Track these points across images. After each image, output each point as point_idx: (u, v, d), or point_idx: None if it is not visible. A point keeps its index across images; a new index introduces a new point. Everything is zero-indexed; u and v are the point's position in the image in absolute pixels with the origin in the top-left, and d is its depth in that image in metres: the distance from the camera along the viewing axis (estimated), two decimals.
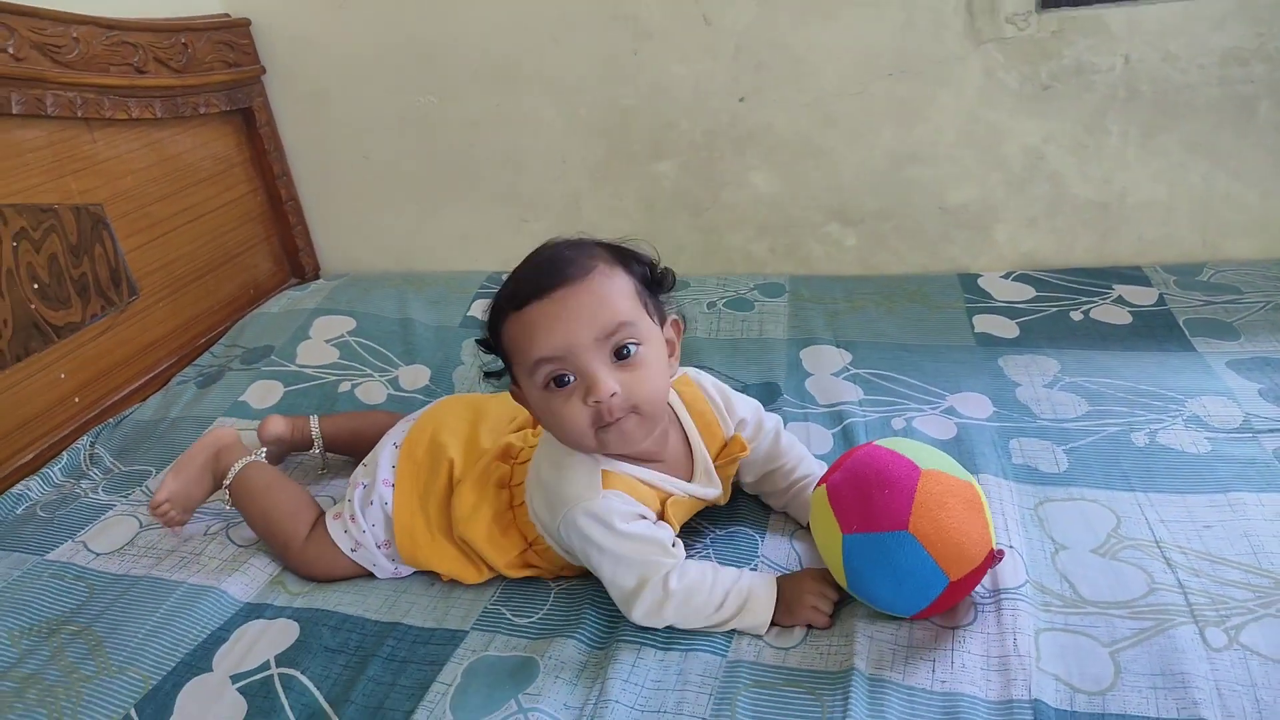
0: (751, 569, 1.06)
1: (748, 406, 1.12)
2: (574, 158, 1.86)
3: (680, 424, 1.06)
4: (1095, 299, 1.59)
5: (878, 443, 1.00)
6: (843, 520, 0.94)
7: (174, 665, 1.00)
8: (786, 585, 0.99)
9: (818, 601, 0.97)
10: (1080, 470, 1.17)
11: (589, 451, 0.98)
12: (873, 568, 0.92)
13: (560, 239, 0.98)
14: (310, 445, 1.34)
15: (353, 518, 1.12)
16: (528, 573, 1.09)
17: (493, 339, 0.98)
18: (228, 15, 1.86)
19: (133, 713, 0.95)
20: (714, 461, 1.07)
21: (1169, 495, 1.11)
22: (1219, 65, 1.53)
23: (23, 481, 1.38)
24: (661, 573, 0.95)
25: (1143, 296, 1.58)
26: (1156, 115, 1.58)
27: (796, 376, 1.46)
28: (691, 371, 1.11)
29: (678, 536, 1.02)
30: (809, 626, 0.97)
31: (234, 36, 1.84)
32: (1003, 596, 0.96)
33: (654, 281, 1.00)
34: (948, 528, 0.90)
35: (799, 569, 1.05)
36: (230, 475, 1.20)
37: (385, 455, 1.15)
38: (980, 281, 1.70)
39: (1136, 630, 0.91)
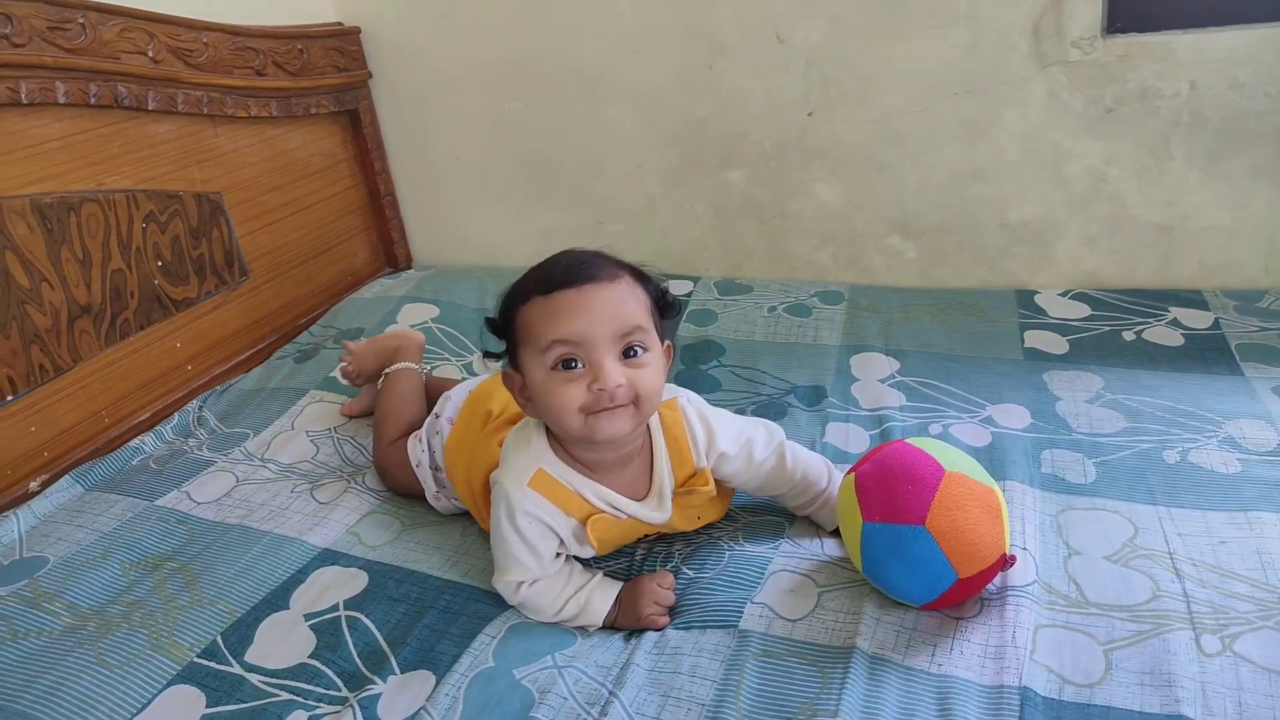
0: (773, 546, 1.14)
1: (734, 441, 1.11)
2: (649, 164, 1.96)
3: (651, 445, 1.08)
4: (1150, 320, 1.61)
5: (909, 440, 1.05)
6: (865, 508, 1.00)
7: (256, 601, 1.14)
8: (626, 592, 1.08)
9: (651, 607, 1.06)
10: (1107, 483, 1.21)
11: (572, 434, 1.00)
12: (888, 556, 0.98)
13: (584, 249, 1.04)
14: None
15: (427, 431, 1.29)
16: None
17: (503, 321, 1.03)
18: (340, 24, 2.02)
19: (219, 639, 1.08)
20: (676, 488, 1.09)
21: (1190, 511, 1.14)
22: None
23: (139, 437, 1.55)
24: (519, 577, 1.06)
25: (1198, 320, 1.59)
26: (1221, 141, 1.59)
27: (843, 381, 1.53)
28: (682, 398, 1.11)
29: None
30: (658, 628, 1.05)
31: (345, 43, 2.00)
32: (1009, 593, 1.02)
33: (664, 305, 1.05)
34: (963, 528, 0.95)
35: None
36: (388, 370, 1.48)
37: (457, 394, 1.30)
38: (1037, 298, 1.73)
39: (1134, 632, 0.96)
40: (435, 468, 1.28)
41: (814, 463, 1.17)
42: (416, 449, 1.29)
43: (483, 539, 1.22)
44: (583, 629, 1.07)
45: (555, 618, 1.06)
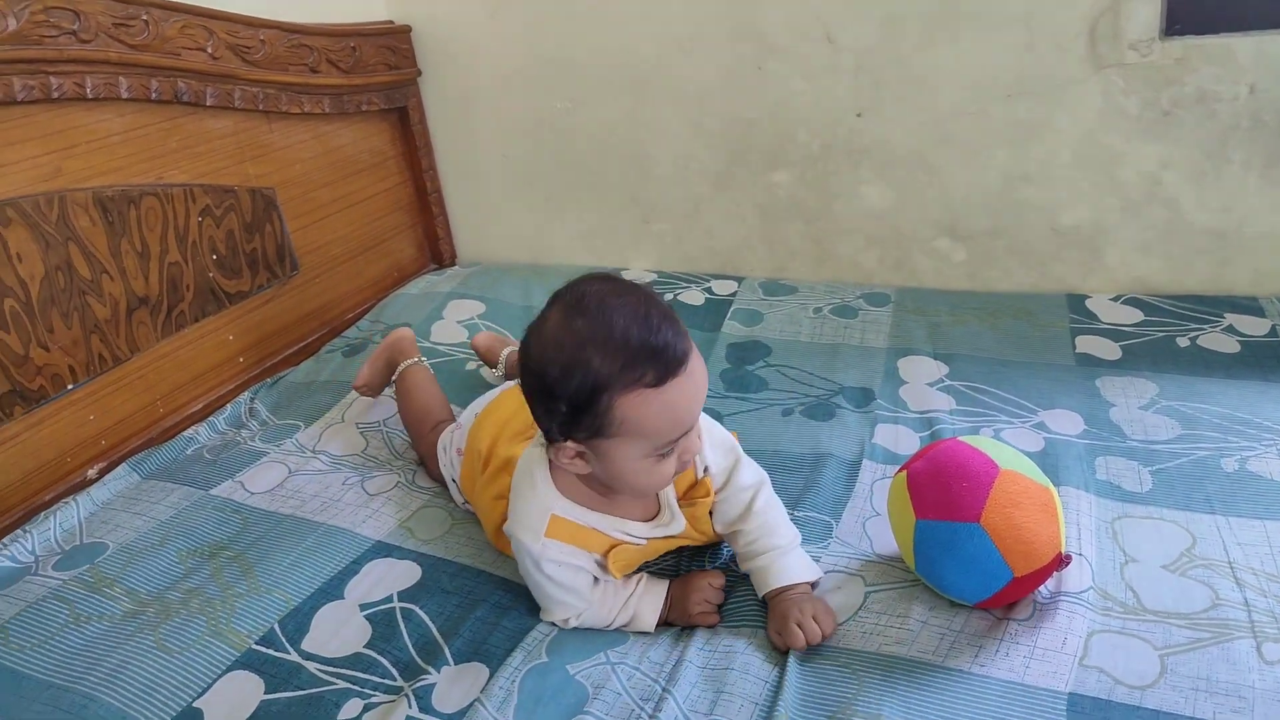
0: (823, 546, 1.15)
1: (721, 457, 1.09)
2: (696, 164, 1.96)
3: None
4: (1205, 326, 1.59)
5: (962, 438, 1.05)
6: (918, 505, 0.99)
7: (312, 591, 1.15)
8: (676, 588, 1.08)
9: (701, 605, 1.05)
10: (1163, 491, 1.20)
11: (641, 493, 1.03)
12: (942, 554, 0.98)
13: (599, 286, 0.93)
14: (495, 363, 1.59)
15: (447, 448, 1.31)
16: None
17: (583, 405, 0.90)
18: (392, 22, 2.04)
19: (276, 626, 1.10)
20: (679, 499, 1.08)
21: (1249, 520, 1.13)
22: None
23: (193, 427, 1.58)
24: (563, 615, 1.06)
25: (1255, 327, 1.57)
26: None
27: (891, 384, 1.53)
28: None
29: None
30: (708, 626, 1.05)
31: (396, 42, 2.02)
32: (1062, 598, 1.01)
33: None
34: (1019, 525, 0.94)
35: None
36: (396, 372, 1.50)
37: (465, 420, 1.30)
38: (1089, 303, 1.71)
39: (1192, 639, 0.95)
40: (456, 479, 1.30)
41: (783, 518, 1.11)
42: (445, 466, 1.32)
43: None
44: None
45: (609, 628, 1.07)
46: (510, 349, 1.57)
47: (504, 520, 1.11)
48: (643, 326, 0.88)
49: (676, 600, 1.07)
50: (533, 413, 0.97)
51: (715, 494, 1.09)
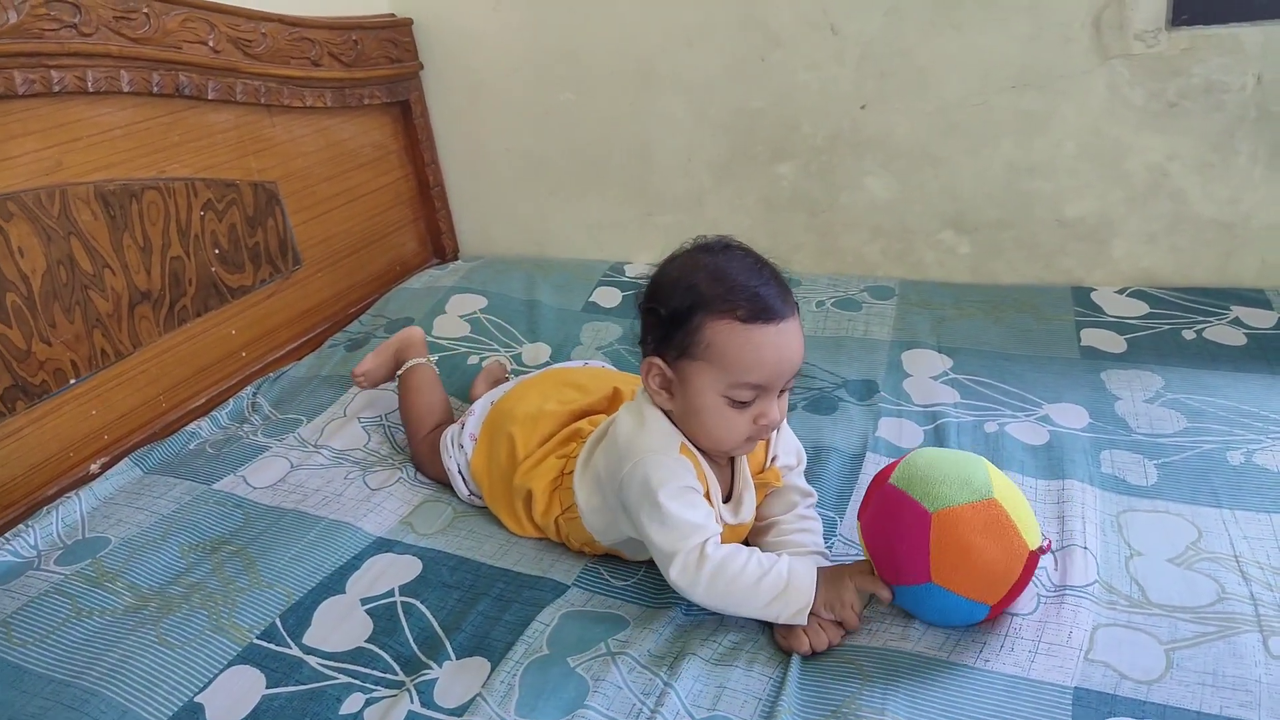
0: (828, 545, 1.14)
1: (790, 456, 1.14)
2: (700, 156, 1.95)
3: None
4: (1211, 319, 1.58)
5: (891, 480, 0.99)
6: (878, 569, 0.99)
7: (314, 585, 1.15)
8: (829, 577, 1.00)
9: (855, 601, 0.99)
10: (1169, 485, 1.19)
11: (721, 449, 1.03)
12: (916, 608, 0.99)
13: (736, 244, 1.02)
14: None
15: (453, 441, 1.31)
16: (554, 536, 1.19)
17: (677, 320, 0.97)
18: (394, 15, 2.03)
19: (277, 621, 1.10)
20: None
21: (1256, 514, 1.12)
22: None
23: (195, 422, 1.58)
24: (701, 537, 0.98)
25: (1261, 319, 1.56)
26: None
27: (895, 376, 1.52)
28: None
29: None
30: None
31: (398, 35, 2.02)
32: (1068, 592, 1.01)
33: None
34: (972, 563, 0.91)
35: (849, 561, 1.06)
36: (403, 368, 1.50)
37: (479, 408, 1.32)
38: (1094, 296, 1.70)
39: (1198, 633, 0.95)
40: (464, 472, 1.30)
41: (819, 529, 1.13)
42: (449, 459, 1.31)
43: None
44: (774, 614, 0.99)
45: (756, 588, 0.97)
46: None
47: (566, 474, 1.14)
48: (753, 275, 0.97)
49: (829, 586, 0.99)
50: (641, 325, 1.04)
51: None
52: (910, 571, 0.94)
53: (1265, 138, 1.56)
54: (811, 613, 0.98)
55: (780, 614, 0.98)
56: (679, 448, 1.02)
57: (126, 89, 1.47)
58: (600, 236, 2.13)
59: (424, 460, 1.38)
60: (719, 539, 1.01)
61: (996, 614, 0.97)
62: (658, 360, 1.01)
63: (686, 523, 0.98)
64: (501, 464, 1.23)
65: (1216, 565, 1.04)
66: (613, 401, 1.27)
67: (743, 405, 0.98)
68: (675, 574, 0.98)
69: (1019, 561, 0.93)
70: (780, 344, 0.96)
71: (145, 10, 1.46)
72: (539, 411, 1.24)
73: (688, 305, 0.97)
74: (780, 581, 0.98)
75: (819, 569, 1.01)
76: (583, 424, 1.22)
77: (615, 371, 1.45)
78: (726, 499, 1.08)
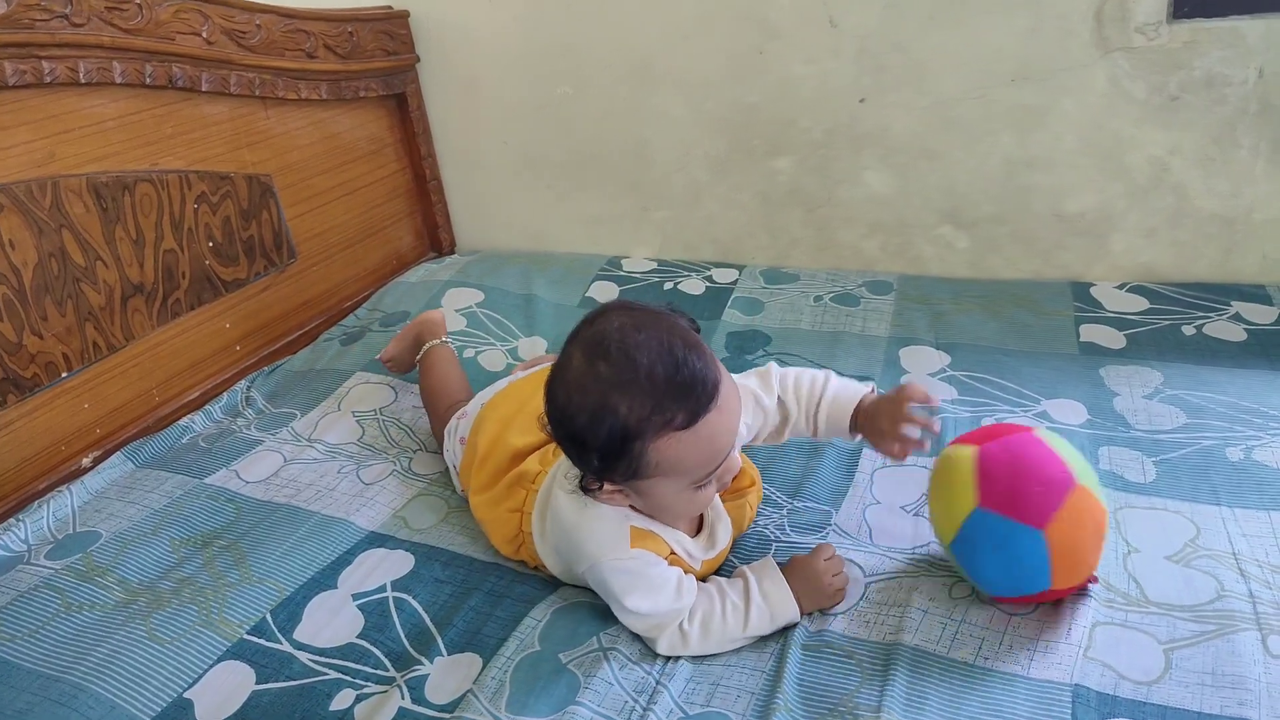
0: (820, 535, 1.13)
1: (750, 417, 1.05)
2: (697, 151, 1.94)
3: None
4: (1211, 314, 1.57)
5: (1037, 433, 0.99)
6: (984, 492, 0.94)
7: (305, 580, 1.14)
8: (796, 575, 1.00)
9: (835, 578, 1.00)
10: (1167, 482, 1.18)
11: (699, 513, 1.02)
12: (989, 547, 0.94)
13: (616, 320, 0.89)
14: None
15: (451, 434, 1.29)
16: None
17: (616, 454, 0.88)
18: (390, 7, 2.02)
19: (268, 616, 1.09)
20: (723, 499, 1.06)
21: (1254, 511, 1.11)
22: None
23: (188, 415, 1.57)
24: (678, 618, 0.97)
25: (1262, 315, 1.55)
26: None
27: (893, 372, 1.51)
28: None
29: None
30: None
31: (394, 27, 2.00)
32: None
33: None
34: (1077, 543, 0.93)
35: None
36: (421, 351, 1.51)
37: (472, 410, 1.28)
38: (1093, 291, 1.69)
39: (1197, 632, 0.94)
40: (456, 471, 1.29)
41: (804, 376, 1.09)
42: (448, 454, 1.31)
43: None
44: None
45: (746, 628, 0.98)
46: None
47: (520, 534, 1.10)
48: (668, 363, 0.85)
49: (805, 584, 1.00)
50: (567, 456, 0.96)
51: (759, 483, 1.11)
52: (1031, 511, 0.92)
53: (1267, 132, 1.55)
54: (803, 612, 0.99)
55: (772, 629, 0.99)
56: (629, 538, 0.97)
57: (119, 80, 1.46)
58: (597, 231, 2.12)
59: (439, 438, 1.39)
60: (694, 585, 0.99)
61: (1031, 601, 0.98)
62: (605, 484, 0.93)
63: (658, 614, 0.97)
64: (473, 474, 1.21)
65: (1215, 563, 1.03)
66: None
67: (707, 481, 0.92)
68: (664, 649, 0.98)
69: (1089, 572, 0.97)
70: (726, 416, 0.88)
71: (138, 1, 1.45)
72: (516, 412, 1.19)
73: (619, 437, 0.86)
74: (764, 614, 0.98)
75: (785, 574, 1.00)
76: (529, 464, 1.13)
77: None
78: (697, 532, 1.06)
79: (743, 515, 1.11)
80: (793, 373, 1.09)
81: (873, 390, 1.08)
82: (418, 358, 1.52)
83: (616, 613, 1.00)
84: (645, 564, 0.97)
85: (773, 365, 1.10)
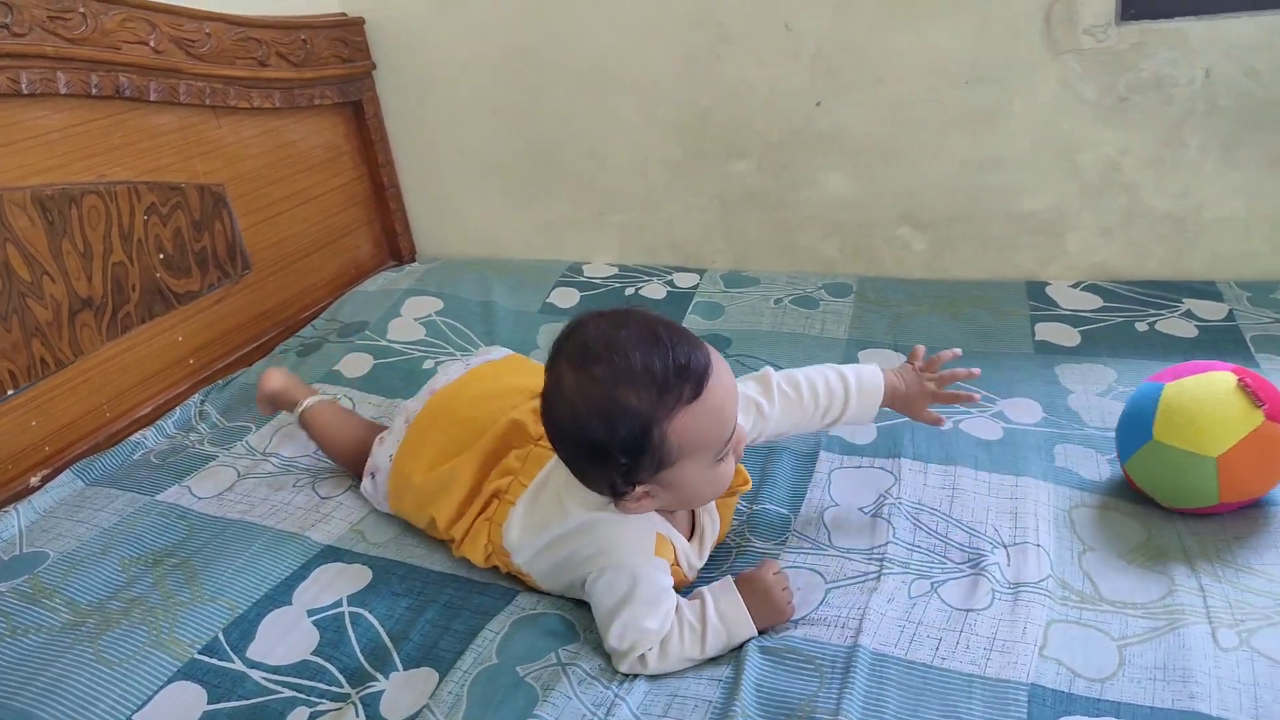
0: (779, 541, 1.13)
1: (742, 416, 1.03)
2: (654, 155, 1.94)
3: None
4: (1163, 311, 1.59)
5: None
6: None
7: (258, 597, 1.12)
8: (750, 589, 0.99)
9: (781, 595, 1.00)
10: (1121, 479, 1.19)
11: (721, 493, 1.01)
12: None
13: (598, 325, 0.91)
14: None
15: (372, 473, 1.26)
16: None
17: (639, 449, 0.89)
18: (345, 14, 2.00)
19: (220, 635, 1.07)
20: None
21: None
22: None
23: (140, 431, 1.54)
24: (649, 644, 0.96)
25: (1212, 311, 1.57)
26: (1237, 129, 1.56)
27: None
28: None
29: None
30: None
31: (349, 34, 1.98)
32: (1021, 589, 1.01)
33: None
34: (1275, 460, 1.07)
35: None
36: (296, 418, 1.37)
37: (397, 427, 1.25)
38: (1048, 290, 1.71)
39: (1149, 628, 0.95)
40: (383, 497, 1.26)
41: (816, 375, 1.10)
42: (369, 494, 1.27)
43: None
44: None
45: (704, 649, 0.97)
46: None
47: (495, 542, 1.08)
48: (659, 349, 0.87)
49: (758, 602, 0.99)
50: (583, 479, 0.95)
51: (750, 484, 1.11)
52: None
53: (1214, 131, 1.58)
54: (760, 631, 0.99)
55: (729, 648, 0.99)
56: (654, 546, 0.98)
57: (64, 91, 1.43)
58: (556, 237, 2.11)
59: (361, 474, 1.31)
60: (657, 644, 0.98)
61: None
62: (639, 489, 0.93)
63: (650, 632, 0.96)
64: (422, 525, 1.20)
65: (1166, 560, 1.04)
66: (511, 435, 1.14)
67: (725, 453, 0.94)
68: (625, 668, 0.97)
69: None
70: (726, 379, 0.92)
71: (81, 10, 1.43)
72: (450, 479, 1.14)
73: (638, 430, 0.87)
74: (721, 634, 0.97)
75: (738, 588, 0.99)
76: (500, 483, 1.11)
77: (519, 367, 1.32)
78: (690, 535, 1.06)
79: (730, 515, 1.12)
80: (799, 375, 1.10)
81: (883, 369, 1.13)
82: (299, 411, 1.37)
83: (605, 618, 0.98)
84: (662, 574, 0.98)
85: (769, 370, 1.11)
